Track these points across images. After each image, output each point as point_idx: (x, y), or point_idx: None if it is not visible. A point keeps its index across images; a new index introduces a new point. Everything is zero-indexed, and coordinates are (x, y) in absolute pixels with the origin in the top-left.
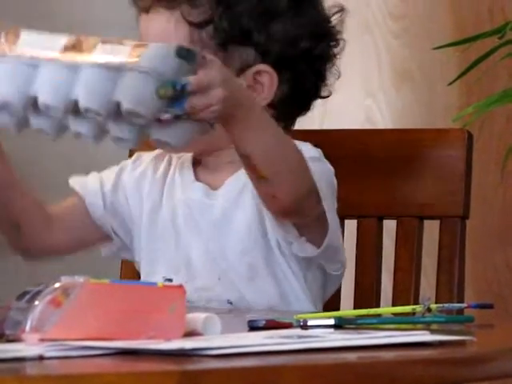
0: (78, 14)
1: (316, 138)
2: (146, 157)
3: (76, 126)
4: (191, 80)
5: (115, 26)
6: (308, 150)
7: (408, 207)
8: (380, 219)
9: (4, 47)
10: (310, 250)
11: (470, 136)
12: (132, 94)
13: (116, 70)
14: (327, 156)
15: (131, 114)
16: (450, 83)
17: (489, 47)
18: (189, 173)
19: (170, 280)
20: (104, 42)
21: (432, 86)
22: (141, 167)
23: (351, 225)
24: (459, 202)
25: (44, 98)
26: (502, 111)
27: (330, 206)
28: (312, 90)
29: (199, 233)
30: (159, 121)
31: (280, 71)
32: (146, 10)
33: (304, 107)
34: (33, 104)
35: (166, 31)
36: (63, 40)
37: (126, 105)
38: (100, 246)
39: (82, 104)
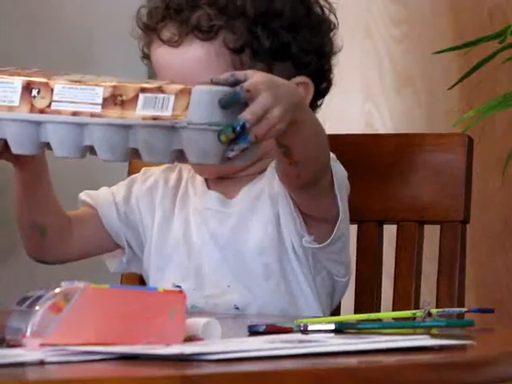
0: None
1: None
2: (155, 169)
3: None
4: (247, 116)
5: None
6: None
7: (408, 212)
8: (380, 224)
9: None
10: (318, 243)
11: (471, 140)
12: (195, 149)
13: (171, 129)
14: None
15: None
16: (451, 87)
17: (489, 51)
18: (201, 183)
19: (179, 286)
20: (143, 90)
21: (432, 91)
22: (151, 178)
23: (351, 229)
24: (460, 206)
25: (103, 155)
26: (503, 115)
27: (343, 199)
28: (325, 96)
29: (214, 240)
30: (228, 158)
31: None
32: (176, 43)
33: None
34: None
35: (205, 63)
36: (100, 91)
37: (193, 159)
38: (110, 258)
39: (145, 159)
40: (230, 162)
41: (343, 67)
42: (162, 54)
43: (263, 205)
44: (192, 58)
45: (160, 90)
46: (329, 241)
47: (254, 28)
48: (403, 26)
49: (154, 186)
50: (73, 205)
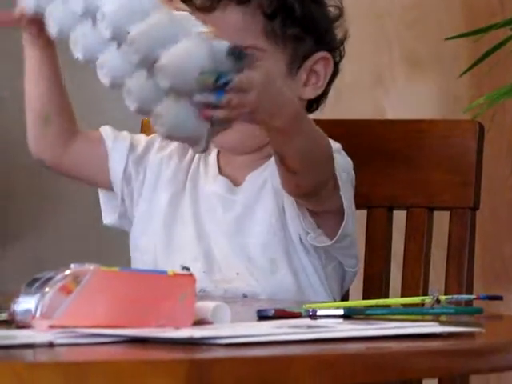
0: None
1: (326, 127)
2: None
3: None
4: (236, 78)
5: None
6: (332, 142)
7: (418, 198)
8: (390, 210)
9: None
10: (326, 240)
11: (481, 127)
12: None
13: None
14: None
15: (165, 74)
16: (461, 74)
17: (500, 38)
18: (213, 165)
19: (188, 269)
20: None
21: (443, 77)
22: (167, 150)
23: (361, 215)
24: (469, 193)
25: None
26: None
27: (348, 197)
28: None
29: (221, 227)
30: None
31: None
32: (209, 8)
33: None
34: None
35: (241, 26)
36: None
37: (165, 62)
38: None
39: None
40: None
41: (353, 52)
42: (198, 19)
43: (267, 196)
44: (227, 22)
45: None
46: (335, 239)
47: None
48: (414, 11)
49: (167, 159)
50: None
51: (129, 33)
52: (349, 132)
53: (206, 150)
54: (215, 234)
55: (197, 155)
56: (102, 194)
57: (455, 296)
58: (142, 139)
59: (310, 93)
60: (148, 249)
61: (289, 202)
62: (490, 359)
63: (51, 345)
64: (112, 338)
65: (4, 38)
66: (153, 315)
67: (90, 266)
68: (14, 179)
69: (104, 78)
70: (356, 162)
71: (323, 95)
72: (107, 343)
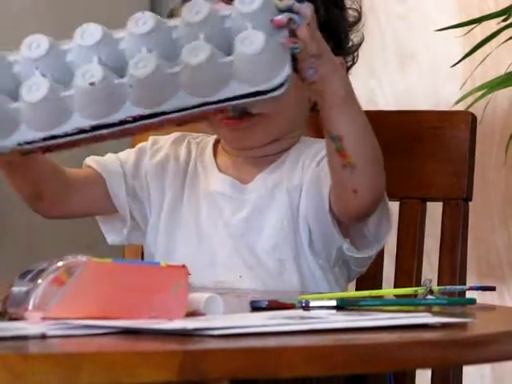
0: None
1: (319, 119)
2: (164, 141)
3: None
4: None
5: None
6: None
7: (411, 189)
8: None
9: None
10: (366, 251)
11: (474, 118)
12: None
13: None
14: None
15: None
16: (454, 65)
17: (494, 29)
18: (211, 163)
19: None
20: None
21: (436, 68)
22: (161, 153)
23: None
24: (462, 184)
25: None
26: (506, 93)
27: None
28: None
29: (227, 230)
30: None
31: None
32: None
33: None
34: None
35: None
36: None
37: None
38: (109, 230)
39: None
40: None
41: None
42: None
43: (280, 198)
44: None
45: None
46: (370, 254)
47: None
48: (407, 2)
49: (165, 161)
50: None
51: None
52: None
53: (290, 75)
54: (219, 235)
55: (193, 153)
56: (101, 219)
57: (448, 287)
58: (129, 152)
59: None
60: (156, 255)
61: (311, 208)
62: (483, 350)
63: (44, 336)
64: (105, 329)
65: None
66: (146, 307)
67: (83, 258)
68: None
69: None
70: None
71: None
72: (100, 335)
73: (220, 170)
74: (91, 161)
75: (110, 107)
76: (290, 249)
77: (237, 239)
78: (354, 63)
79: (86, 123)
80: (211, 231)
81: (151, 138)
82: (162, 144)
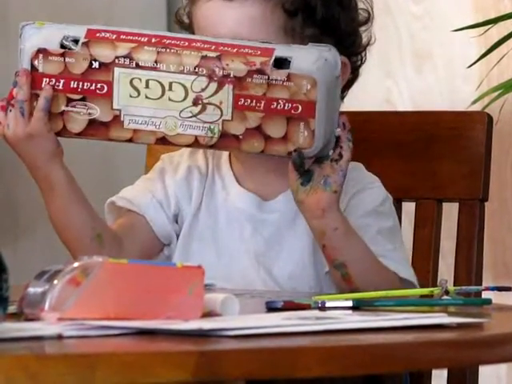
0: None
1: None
2: (179, 156)
3: None
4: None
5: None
6: (379, 187)
7: (427, 190)
8: (399, 201)
9: None
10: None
11: (490, 118)
12: None
13: None
14: None
15: None
16: (470, 65)
17: (509, 29)
18: (229, 175)
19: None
20: None
21: (452, 69)
22: (181, 167)
23: None
24: (478, 184)
25: None
26: None
27: (399, 241)
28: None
29: (245, 245)
30: None
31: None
32: None
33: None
34: None
35: (259, 20)
36: None
37: None
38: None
39: None
40: None
41: None
42: (214, 7)
43: (302, 225)
44: (247, 13)
45: None
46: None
47: None
48: (423, 2)
49: (188, 173)
50: (92, 195)
51: None
52: (358, 124)
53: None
54: (237, 250)
55: (210, 165)
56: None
57: (464, 287)
58: (150, 179)
59: None
60: None
61: None
62: (499, 350)
63: (60, 337)
64: (121, 330)
65: None
66: (161, 307)
67: (99, 258)
68: (24, 171)
69: None
70: (364, 153)
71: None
72: (116, 335)
73: (239, 182)
74: (121, 201)
75: None
76: (307, 281)
77: (254, 257)
78: (362, 63)
79: None
80: (228, 245)
81: (164, 157)
82: (178, 159)
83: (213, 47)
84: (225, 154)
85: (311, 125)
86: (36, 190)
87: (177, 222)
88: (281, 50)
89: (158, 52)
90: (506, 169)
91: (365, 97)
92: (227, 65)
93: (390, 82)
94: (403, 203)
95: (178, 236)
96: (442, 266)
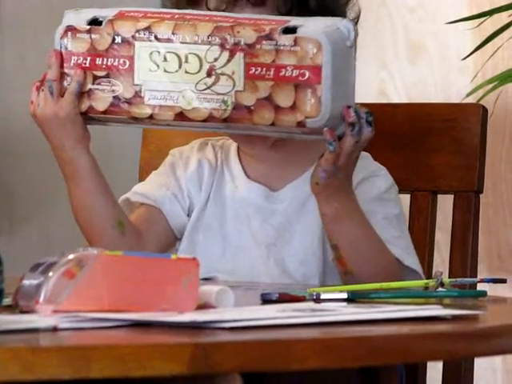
0: None
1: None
2: (189, 151)
3: None
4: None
5: None
6: (386, 175)
7: (422, 181)
8: None
9: None
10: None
11: (485, 111)
12: None
13: None
14: None
15: None
16: (465, 57)
17: (504, 22)
18: (237, 167)
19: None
20: None
21: (447, 61)
22: (192, 161)
23: None
24: (473, 176)
25: None
26: None
27: (405, 229)
28: None
29: (254, 237)
30: None
31: None
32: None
33: None
34: None
35: None
36: None
37: None
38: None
39: None
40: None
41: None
42: None
43: (311, 212)
44: None
45: None
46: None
47: None
48: None
49: (199, 166)
50: None
51: None
52: None
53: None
54: (244, 243)
55: (219, 156)
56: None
57: (459, 279)
58: (163, 173)
59: None
60: None
61: None
62: (494, 342)
63: (55, 329)
64: (115, 322)
65: None
66: (156, 299)
67: (94, 251)
68: (20, 162)
69: None
70: None
71: None
72: (111, 327)
73: (248, 175)
74: (137, 196)
75: None
76: (316, 265)
77: (265, 248)
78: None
79: None
80: (236, 238)
81: (174, 152)
82: (188, 154)
83: (230, 20)
84: (233, 147)
85: (318, 91)
86: (32, 181)
87: (189, 215)
88: (296, 20)
89: (176, 25)
90: (500, 161)
91: (359, 88)
92: (238, 32)
93: (385, 74)
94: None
95: None
96: (436, 258)
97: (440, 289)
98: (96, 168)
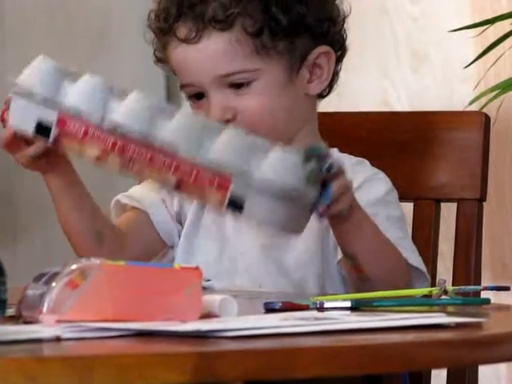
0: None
1: (332, 120)
2: None
3: None
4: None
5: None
6: (385, 178)
7: (425, 190)
8: None
9: None
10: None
11: (488, 119)
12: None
13: None
14: (343, 139)
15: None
16: (467, 65)
17: (506, 30)
18: None
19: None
20: None
21: (449, 69)
22: None
23: None
24: (476, 184)
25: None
26: None
27: (407, 232)
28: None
29: (253, 236)
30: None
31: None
32: (194, 40)
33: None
34: None
35: (229, 53)
36: None
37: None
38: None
39: None
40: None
41: (359, 44)
42: (182, 52)
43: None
44: (215, 50)
45: None
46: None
47: (268, 8)
48: (420, 2)
49: None
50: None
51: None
52: (355, 124)
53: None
54: (243, 243)
55: None
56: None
57: (463, 287)
58: None
59: (316, 88)
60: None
61: None
62: (498, 349)
63: (58, 339)
64: (119, 331)
65: None
66: (159, 309)
67: (97, 261)
68: (22, 173)
69: None
70: (362, 154)
71: (330, 88)
72: (114, 337)
73: None
74: (126, 199)
75: None
76: (315, 267)
77: (263, 248)
78: (345, 38)
79: None
80: (235, 239)
81: None
82: None
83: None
84: None
85: None
86: (35, 193)
87: (179, 222)
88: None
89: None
90: (503, 169)
91: (362, 98)
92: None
93: (387, 83)
94: (401, 203)
95: (179, 236)
96: (440, 266)
97: (443, 297)
98: (68, 188)
